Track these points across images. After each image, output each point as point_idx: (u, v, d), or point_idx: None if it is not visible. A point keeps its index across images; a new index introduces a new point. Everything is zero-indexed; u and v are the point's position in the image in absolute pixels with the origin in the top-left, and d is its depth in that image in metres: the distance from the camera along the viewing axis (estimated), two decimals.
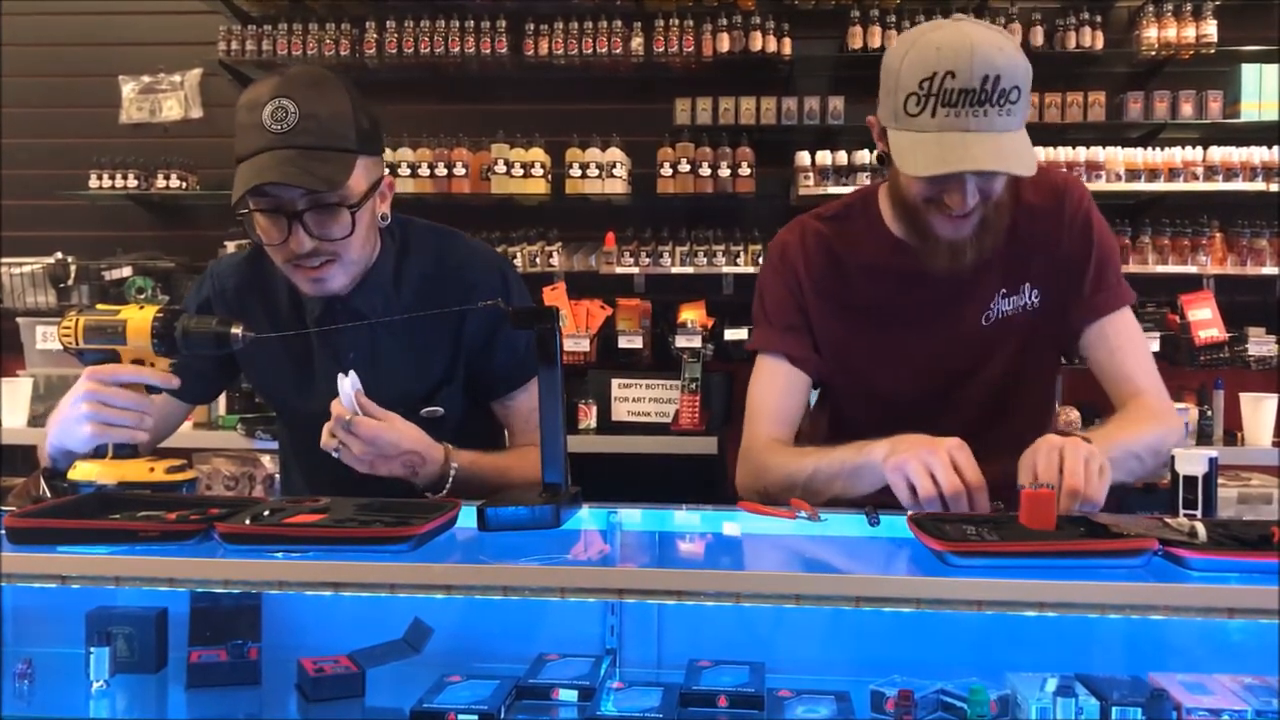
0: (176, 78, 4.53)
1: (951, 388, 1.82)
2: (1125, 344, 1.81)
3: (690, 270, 4.15)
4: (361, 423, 1.60)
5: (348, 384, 1.59)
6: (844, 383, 1.90)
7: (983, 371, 1.82)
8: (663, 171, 4.15)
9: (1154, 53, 4.07)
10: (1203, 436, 3.82)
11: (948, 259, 1.69)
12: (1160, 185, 4.01)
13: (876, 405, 1.83)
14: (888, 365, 1.83)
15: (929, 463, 1.48)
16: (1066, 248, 1.79)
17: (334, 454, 1.63)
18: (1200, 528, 1.25)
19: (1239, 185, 3.98)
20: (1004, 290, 1.78)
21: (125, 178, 4.32)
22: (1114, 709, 1.30)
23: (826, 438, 1.85)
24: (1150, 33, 4.04)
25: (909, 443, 1.54)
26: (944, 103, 1.54)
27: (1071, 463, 1.43)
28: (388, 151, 4.10)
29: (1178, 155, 4.02)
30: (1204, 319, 3.86)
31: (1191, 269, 4.02)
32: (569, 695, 1.39)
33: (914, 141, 1.58)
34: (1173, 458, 1.45)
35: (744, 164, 4.13)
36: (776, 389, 1.87)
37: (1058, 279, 1.80)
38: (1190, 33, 4.01)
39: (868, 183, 4.06)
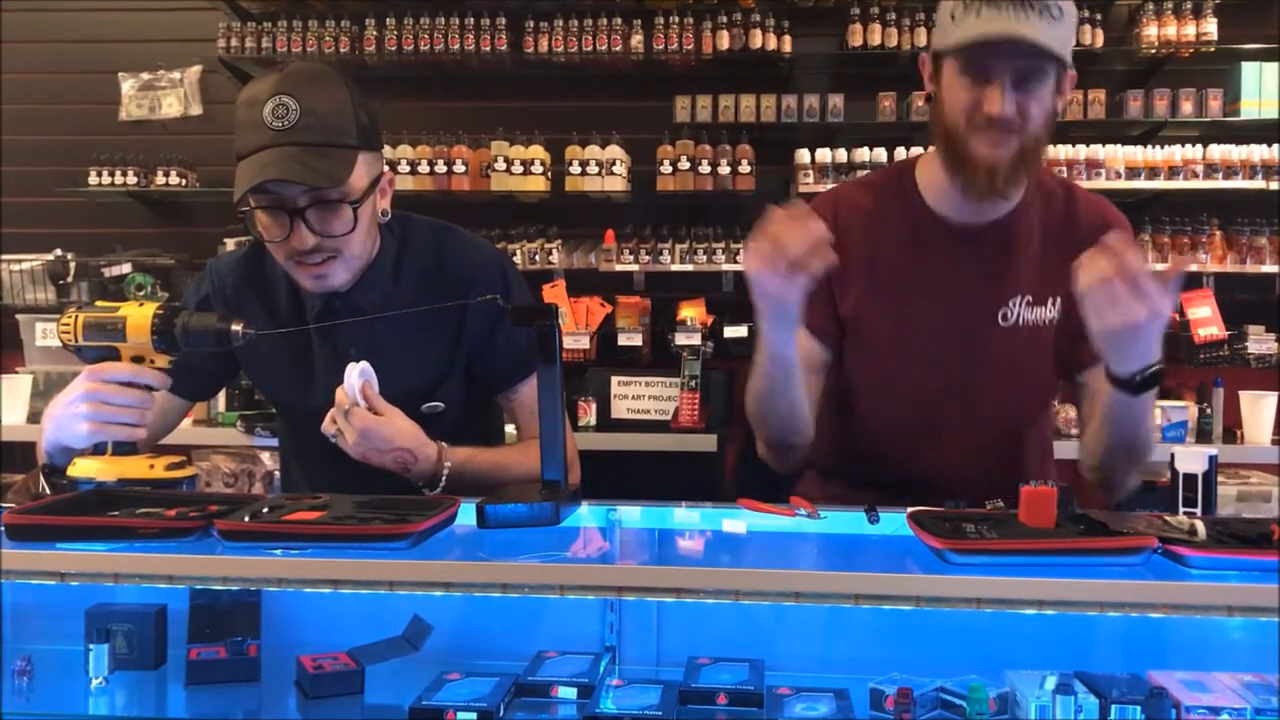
0: (176, 75, 4.53)
1: (962, 379, 1.80)
2: None
3: (690, 268, 4.14)
4: (357, 414, 1.61)
5: (355, 373, 1.61)
6: (856, 358, 1.86)
7: (992, 370, 1.79)
8: (662, 169, 4.15)
9: (1154, 51, 4.07)
10: (1202, 434, 3.81)
11: (985, 182, 1.67)
12: (1160, 183, 4.01)
13: (886, 389, 1.82)
14: (900, 342, 1.81)
15: (753, 249, 1.49)
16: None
17: (332, 439, 1.65)
18: (1200, 526, 1.25)
19: (1239, 183, 3.98)
20: (1029, 299, 1.78)
21: (125, 175, 4.31)
22: (1113, 707, 1.30)
23: (833, 418, 1.88)
24: (1150, 31, 4.04)
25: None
26: (988, 3, 1.59)
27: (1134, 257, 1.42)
28: (388, 149, 4.09)
29: (1177, 153, 4.02)
30: (1204, 317, 3.87)
31: (1191, 267, 4.02)
32: (568, 693, 1.39)
33: (960, 34, 1.62)
34: (1172, 455, 1.45)
35: (744, 161, 4.12)
36: None
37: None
38: (1190, 31, 4.01)
39: None
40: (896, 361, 1.82)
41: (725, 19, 4.12)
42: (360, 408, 1.62)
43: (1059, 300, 1.77)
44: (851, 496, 1.83)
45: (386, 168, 1.77)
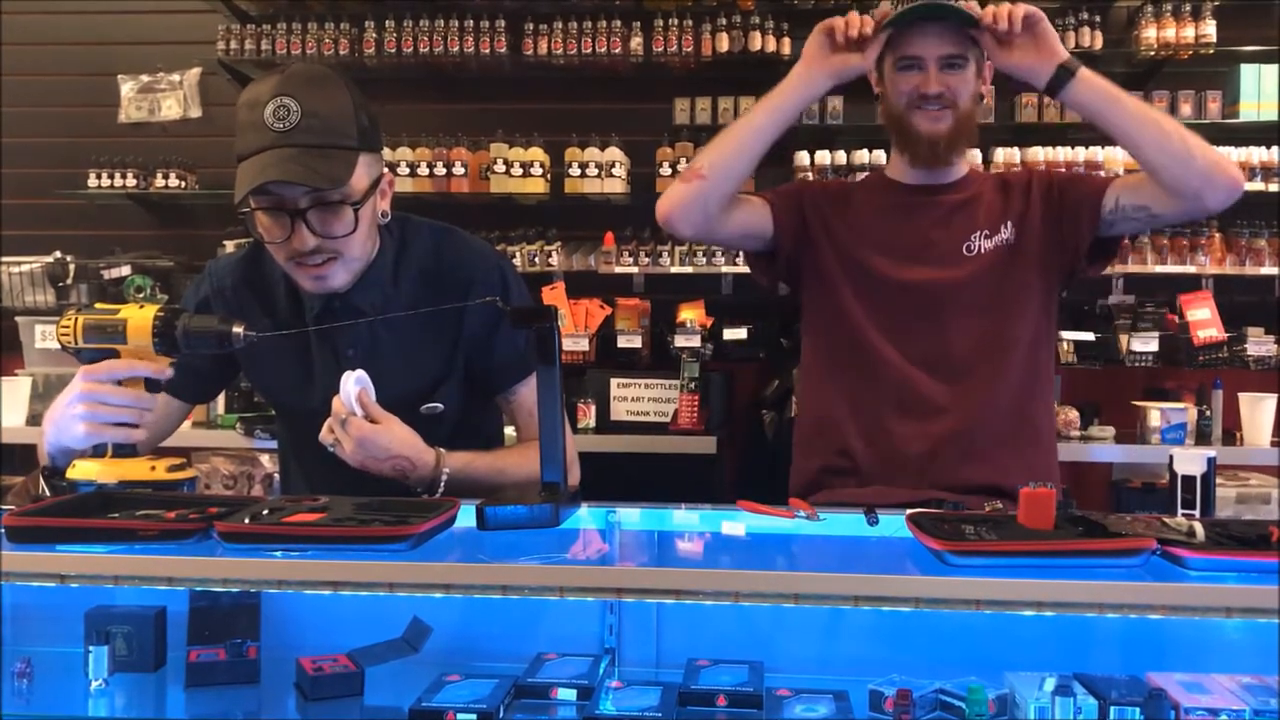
0: (175, 77, 4.53)
1: (945, 306, 2.08)
2: None
3: (689, 270, 4.14)
4: (354, 423, 1.61)
5: (351, 382, 1.61)
6: (846, 296, 2.13)
7: (968, 294, 2.08)
8: (662, 171, 4.14)
9: (1153, 53, 4.07)
10: (1201, 436, 3.81)
11: (930, 152, 2.09)
12: None
13: (879, 330, 2.09)
14: (880, 275, 2.10)
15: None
16: (1046, 184, 2.15)
17: (330, 448, 1.65)
18: (1198, 527, 1.26)
19: None
20: (986, 231, 2.12)
21: (124, 177, 4.30)
22: (1112, 708, 1.30)
23: (820, 362, 2.19)
24: (1149, 33, 4.04)
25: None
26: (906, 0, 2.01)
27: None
28: (387, 151, 4.09)
29: None
30: (1203, 319, 3.85)
31: (1190, 269, 4.01)
32: (568, 694, 1.39)
33: (892, 16, 2.01)
34: (1171, 457, 1.45)
35: None
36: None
37: (1032, 214, 2.12)
38: (1189, 33, 4.00)
39: None
40: (883, 300, 2.09)
41: (724, 21, 4.11)
42: (357, 416, 1.62)
43: (1010, 224, 2.12)
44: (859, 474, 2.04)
45: (386, 169, 1.78)
